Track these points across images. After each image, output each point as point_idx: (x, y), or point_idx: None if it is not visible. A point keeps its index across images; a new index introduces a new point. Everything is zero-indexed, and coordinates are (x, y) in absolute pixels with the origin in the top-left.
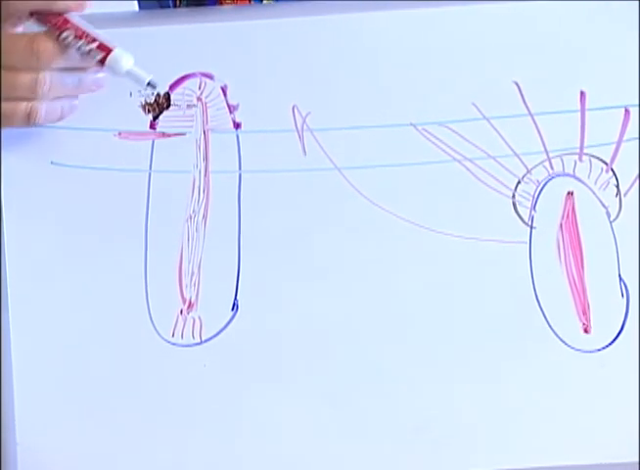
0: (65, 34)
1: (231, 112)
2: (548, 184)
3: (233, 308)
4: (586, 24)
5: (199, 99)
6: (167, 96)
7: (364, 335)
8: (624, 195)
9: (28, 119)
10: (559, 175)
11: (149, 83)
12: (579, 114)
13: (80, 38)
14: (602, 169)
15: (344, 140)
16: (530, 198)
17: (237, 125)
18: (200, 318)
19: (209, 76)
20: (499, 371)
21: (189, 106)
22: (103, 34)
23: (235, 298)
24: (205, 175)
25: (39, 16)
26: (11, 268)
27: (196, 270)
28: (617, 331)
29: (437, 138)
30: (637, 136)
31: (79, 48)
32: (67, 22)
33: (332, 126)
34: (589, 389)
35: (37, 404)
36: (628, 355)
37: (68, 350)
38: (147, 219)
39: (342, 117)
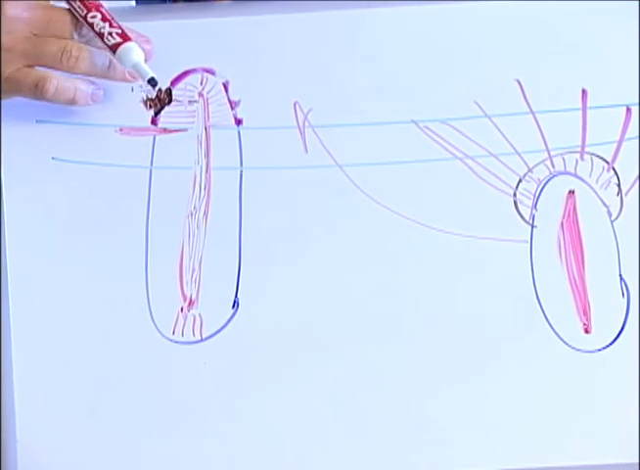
0: (93, 13)
1: (232, 108)
2: (549, 183)
3: (233, 306)
4: (588, 23)
5: (200, 95)
6: (169, 92)
7: (364, 333)
8: (625, 194)
9: (36, 89)
10: (560, 174)
11: (150, 80)
12: (581, 112)
13: (105, 21)
14: (603, 168)
15: (346, 137)
16: (532, 196)
17: (238, 122)
18: (200, 316)
19: (211, 72)
20: (499, 371)
21: (190, 102)
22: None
23: (235, 295)
24: (207, 172)
25: None
26: (12, 264)
27: (197, 267)
28: (618, 331)
29: (439, 136)
30: (638, 135)
31: (100, 29)
32: (98, 5)
33: (333, 123)
34: (589, 389)
35: (37, 402)
36: (629, 355)
37: (69, 347)
38: (148, 216)
39: (343, 113)
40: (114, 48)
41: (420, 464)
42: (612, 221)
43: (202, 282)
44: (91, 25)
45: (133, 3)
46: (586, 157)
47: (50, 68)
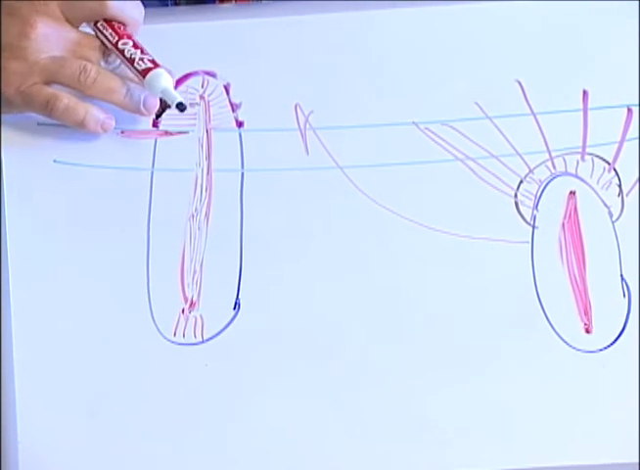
0: (124, 40)
1: (234, 110)
2: (550, 184)
3: (235, 308)
4: (589, 24)
5: (201, 97)
6: None
7: (365, 334)
8: (627, 195)
9: (46, 106)
10: (561, 175)
11: (178, 105)
12: (582, 113)
13: (137, 48)
14: (604, 169)
15: (347, 139)
16: (533, 197)
17: (239, 124)
18: (201, 317)
19: (212, 75)
20: (500, 371)
21: (192, 104)
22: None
23: (237, 297)
24: (208, 174)
25: (104, 22)
26: (13, 266)
27: (198, 269)
28: (619, 331)
29: (440, 137)
30: (639, 136)
31: (131, 55)
32: (130, 34)
33: (334, 125)
34: (590, 389)
35: (39, 403)
36: (629, 356)
37: (70, 348)
38: (149, 218)
39: (344, 115)
40: (144, 73)
41: (420, 464)
42: (613, 222)
43: (203, 284)
44: (122, 52)
45: None
46: (587, 157)
47: (67, 86)
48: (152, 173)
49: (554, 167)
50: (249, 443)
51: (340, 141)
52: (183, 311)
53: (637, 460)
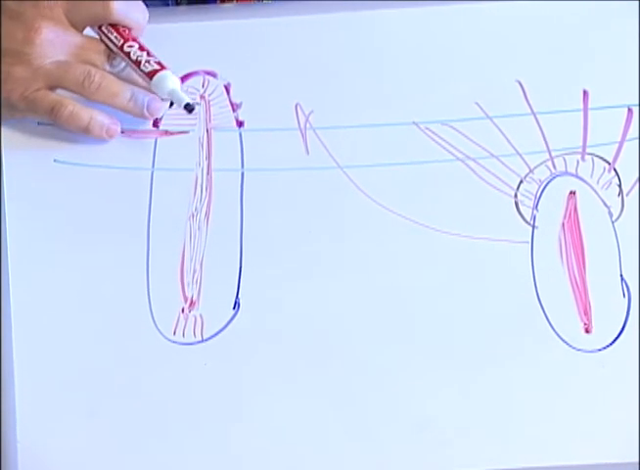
0: (130, 43)
1: (234, 110)
2: (550, 183)
3: (234, 307)
4: (589, 24)
5: (202, 97)
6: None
7: (365, 334)
8: (627, 195)
9: (51, 112)
10: (561, 175)
11: (186, 106)
12: (582, 113)
13: (143, 51)
14: (604, 169)
15: (347, 139)
16: (533, 197)
17: (240, 124)
18: (201, 317)
19: (213, 74)
20: (500, 371)
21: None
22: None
23: (236, 296)
24: (208, 173)
25: (109, 26)
26: (13, 266)
27: (198, 268)
28: (619, 331)
29: (440, 137)
30: (639, 136)
31: (137, 57)
32: (135, 37)
33: (335, 125)
34: (590, 389)
35: (38, 403)
36: (629, 355)
37: (70, 348)
38: (149, 217)
39: (345, 115)
40: (150, 75)
41: (420, 464)
42: (613, 222)
43: (203, 283)
44: (127, 54)
45: None
46: (587, 157)
47: (71, 91)
48: (152, 173)
49: (554, 167)
50: (248, 442)
51: (340, 141)
52: (183, 311)
53: (637, 460)
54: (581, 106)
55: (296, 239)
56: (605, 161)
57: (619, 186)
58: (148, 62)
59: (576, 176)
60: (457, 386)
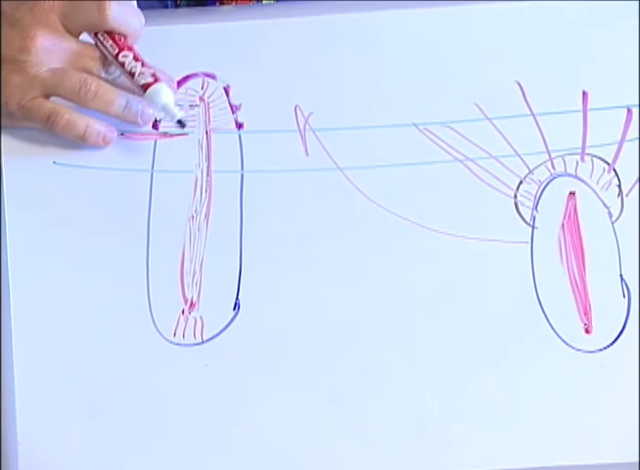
0: (125, 53)
1: (233, 112)
2: (550, 184)
3: (234, 308)
4: (588, 25)
5: (201, 99)
6: None
7: (365, 335)
8: (626, 195)
9: (47, 121)
10: (561, 175)
11: (178, 121)
12: (581, 114)
13: (138, 61)
14: (604, 169)
15: (347, 140)
16: (532, 198)
17: (239, 125)
18: (201, 318)
19: (212, 76)
20: (500, 371)
21: (191, 106)
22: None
23: (236, 297)
24: (208, 175)
25: (105, 33)
26: (13, 268)
27: (197, 270)
28: (619, 331)
29: (439, 138)
30: (639, 136)
31: (132, 68)
32: (130, 46)
33: (334, 126)
34: (590, 389)
35: (38, 404)
36: (629, 356)
37: (70, 349)
38: (149, 219)
39: (344, 117)
40: (144, 87)
41: (419, 464)
42: (612, 222)
43: (203, 284)
44: (122, 64)
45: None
46: (587, 158)
47: (67, 99)
48: (151, 175)
49: (553, 168)
50: (248, 443)
51: (339, 142)
52: (183, 312)
53: (637, 460)
54: (581, 106)
55: (295, 240)
56: (604, 161)
57: (619, 186)
58: (142, 73)
59: (576, 177)
60: (456, 386)
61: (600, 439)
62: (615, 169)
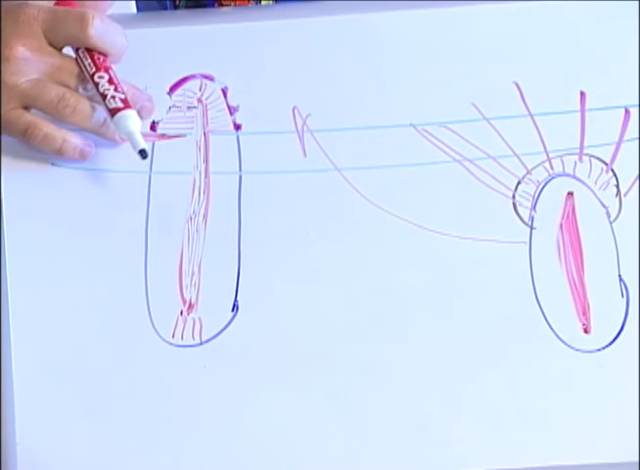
0: (100, 73)
1: (231, 113)
2: (548, 184)
3: (233, 309)
4: (586, 25)
5: (199, 100)
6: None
7: (364, 335)
8: (624, 195)
9: (25, 134)
10: (559, 176)
11: (140, 151)
12: (579, 114)
13: (112, 84)
14: (602, 170)
15: (345, 141)
16: (530, 198)
17: (237, 127)
18: (200, 319)
19: (210, 78)
20: (499, 371)
21: (189, 107)
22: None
23: (235, 299)
24: (206, 177)
25: (85, 51)
26: (11, 269)
27: (196, 271)
28: (617, 331)
29: (437, 139)
30: (637, 136)
31: (104, 91)
32: (108, 67)
33: (332, 127)
34: (589, 389)
35: (37, 405)
36: (628, 356)
37: (69, 350)
38: (147, 220)
39: (342, 118)
40: (113, 112)
41: (419, 464)
42: (611, 222)
43: (201, 285)
44: (96, 85)
45: (134, 10)
46: (585, 158)
47: (45, 112)
48: (149, 176)
49: (552, 168)
50: (248, 444)
51: (337, 143)
52: (181, 313)
53: (637, 460)
54: (579, 107)
55: (294, 241)
56: (602, 161)
57: (617, 187)
58: (113, 98)
59: (574, 177)
60: (456, 386)
61: (599, 438)
62: (613, 170)
